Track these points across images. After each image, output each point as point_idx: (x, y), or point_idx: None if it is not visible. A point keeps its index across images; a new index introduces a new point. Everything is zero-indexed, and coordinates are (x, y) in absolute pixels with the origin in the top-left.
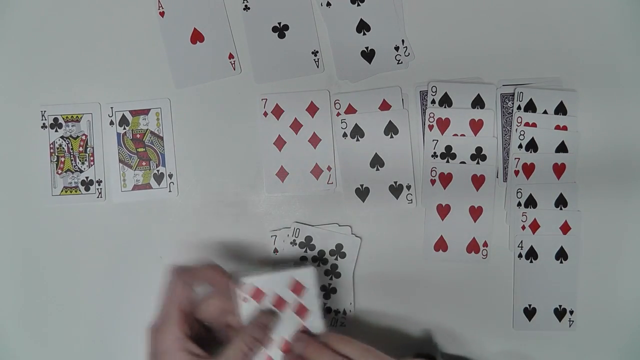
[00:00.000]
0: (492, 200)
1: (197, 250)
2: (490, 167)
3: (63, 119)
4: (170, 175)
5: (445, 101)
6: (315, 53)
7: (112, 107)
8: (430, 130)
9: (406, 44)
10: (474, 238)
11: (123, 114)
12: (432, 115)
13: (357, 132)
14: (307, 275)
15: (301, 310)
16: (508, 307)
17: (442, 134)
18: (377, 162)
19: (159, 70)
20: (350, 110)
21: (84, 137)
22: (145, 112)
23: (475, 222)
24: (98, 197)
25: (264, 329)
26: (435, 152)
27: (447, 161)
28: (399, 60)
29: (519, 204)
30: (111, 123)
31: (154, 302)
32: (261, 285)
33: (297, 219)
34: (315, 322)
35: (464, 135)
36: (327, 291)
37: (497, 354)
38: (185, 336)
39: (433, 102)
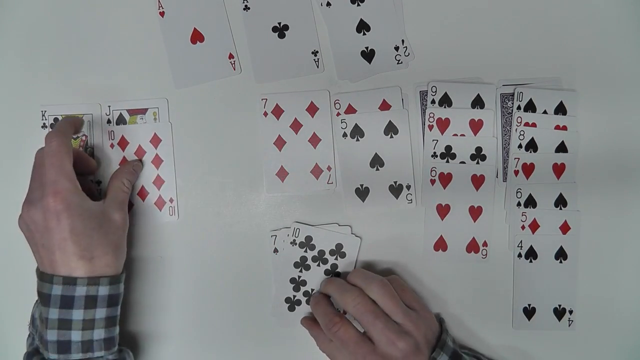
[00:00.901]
0: (492, 200)
1: (197, 250)
2: (490, 167)
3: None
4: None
5: (445, 101)
6: (315, 53)
7: (109, 106)
8: (430, 130)
9: (406, 44)
10: (473, 238)
11: (120, 113)
12: (432, 115)
13: (357, 132)
14: None
15: None
16: (508, 306)
17: (442, 134)
18: (377, 162)
19: (159, 71)
20: (350, 110)
21: (84, 138)
22: (143, 111)
23: (475, 222)
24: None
25: (132, 171)
26: (435, 152)
27: (447, 161)
28: (399, 60)
29: (519, 204)
30: (108, 122)
31: (154, 302)
32: None
33: (297, 219)
34: None
35: (463, 135)
36: None
37: (496, 354)
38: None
39: (433, 102)
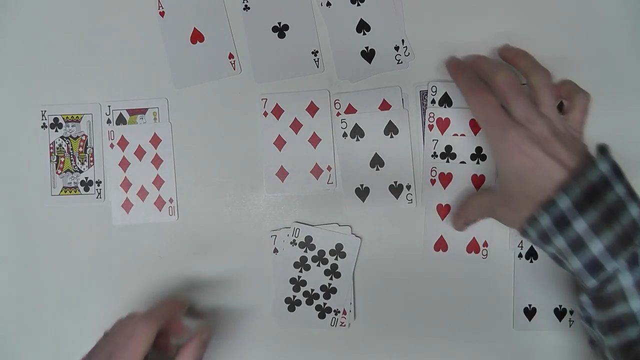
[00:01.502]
0: None
1: (197, 250)
2: (490, 167)
3: (63, 119)
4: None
5: (445, 101)
6: (315, 53)
7: (109, 106)
8: (430, 130)
9: (406, 44)
10: (474, 238)
11: (120, 113)
12: (432, 115)
13: (357, 132)
14: None
15: None
16: (508, 307)
17: (442, 134)
18: (377, 162)
19: (159, 71)
20: (350, 110)
21: (84, 138)
22: (143, 111)
23: None
24: (97, 197)
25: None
26: (435, 152)
27: (447, 161)
28: (399, 60)
29: None
30: (108, 122)
31: (154, 302)
32: None
33: (297, 219)
34: None
35: (464, 135)
36: (327, 291)
37: (497, 354)
38: None
39: (433, 102)
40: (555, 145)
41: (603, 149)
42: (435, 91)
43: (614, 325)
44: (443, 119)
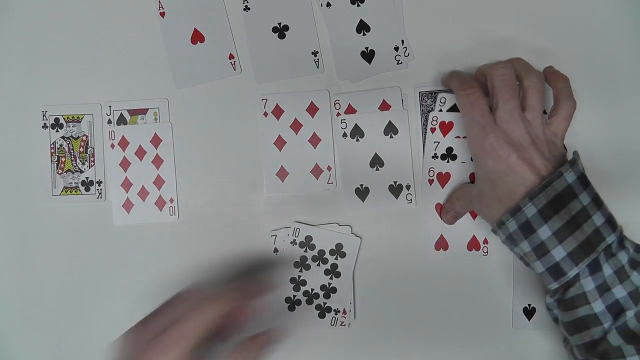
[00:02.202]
0: None
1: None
2: None
3: (64, 119)
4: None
5: (453, 109)
6: (315, 53)
7: (110, 106)
8: (433, 133)
9: (406, 44)
10: (474, 235)
11: (121, 113)
12: (435, 118)
13: (357, 132)
14: None
15: None
16: (507, 306)
17: (445, 137)
18: (376, 162)
19: (159, 71)
20: (350, 110)
21: (84, 138)
22: (143, 111)
23: (474, 219)
24: (98, 197)
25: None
26: (435, 154)
27: (447, 162)
28: (399, 61)
29: None
30: (109, 122)
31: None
32: None
33: (297, 219)
34: None
35: (465, 138)
36: (327, 291)
37: (496, 354)
38: None
39: (440, 110)
40: (531, 152)
41: (573, 159)
42: (444, 102)
43: (578, 326)
44: (446, 122)
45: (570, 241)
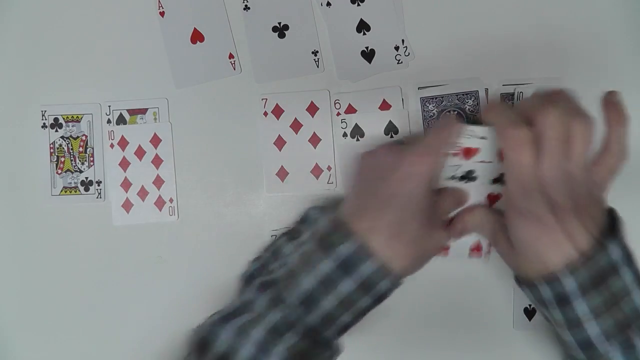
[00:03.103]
0: None
1: (197, 250)
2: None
3: (63, 119)
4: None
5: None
6: (315, 53)
7: (109, 106)
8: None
9: (406, 44)
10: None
11: (120, 113)
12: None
13: (357, 132)
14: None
15: None
16: (508, 306)
17: (467, 160)
18: None
19: (159, 71)
20: (350, 110)
21: (84, 138)
22: (143, 111)
23: None
24: (97, 197)
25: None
26: (454, 175)
27: (466, 182)
28: (399, 60)
29: None
30: (109, 122)
31: (154, 302)
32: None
33: None
34: None
35: (490, 162)
36: None
37: (496, 354)
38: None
39: None
40: (572, 220)
41: (617, 229)
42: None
43: None
44: (472, 148)
45: (607, 319)
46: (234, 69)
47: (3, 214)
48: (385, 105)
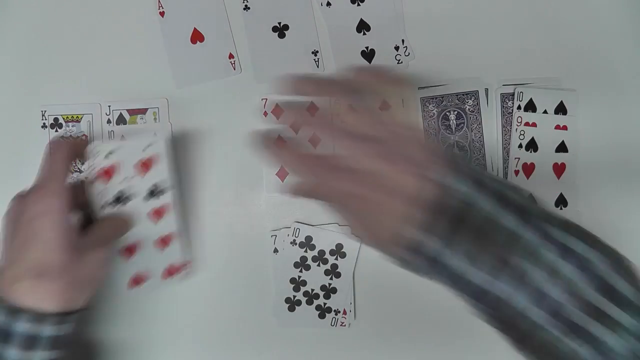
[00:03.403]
0: None
1: (197, 249)
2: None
3: (63, 119)
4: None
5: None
6: (315, 53)
7: (109, 106)
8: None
9: (406, 44)
10: None
11: (120, 113)
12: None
13: None
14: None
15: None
16: None
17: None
18: None
19: (159, 71)
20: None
21: (84, 138)
22: (143, 111)
23: None
24: None
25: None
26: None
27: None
28: (399, 60)
29: None
30: (108, 122)
31: (154, 301)
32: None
33: (297, 219)
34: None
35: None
36: (327, 291)
37: (496, 354)
38: (68, 203)
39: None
40: (391, 183)
41: (455, 159)
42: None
43: (522, 338)
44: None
45: (483, 258)
46: (234, 69)
47: (3, 213)
48: (385, 105)
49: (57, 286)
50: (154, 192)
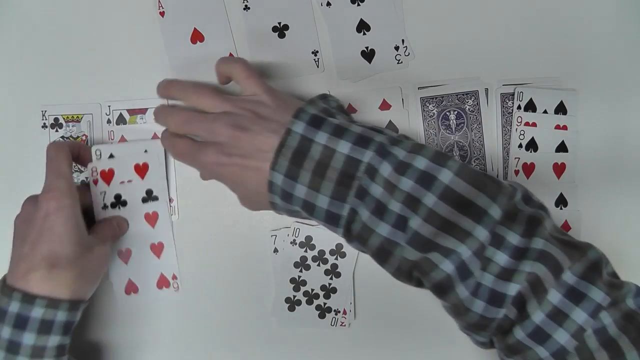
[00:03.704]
0: None
1: (197, 250)
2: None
3: (63, 119)
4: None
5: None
6: (315, 53)
7: (109, 106)
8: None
9: (406, 44)
10: None
11: (120, 113)
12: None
13: None
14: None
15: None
16: None
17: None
18: None
19: (159, 71)
20: (351, 110)
21: (84, 138)
22: (143, 111)
23: None
24: None
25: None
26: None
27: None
28: (399, 60)
29: None
30: (108, 122)
31: (154, 301)
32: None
33: (297, 219)
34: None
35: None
36: (327, 291)
37: (496, 354)
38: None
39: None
40: (248, 146)
41: (299, 109)
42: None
43: (381, 254)
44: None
45: (326, 184)
46: None
47: (3, 213)
48: (385, 105)
49: (70, 275)
50: (151, 196)
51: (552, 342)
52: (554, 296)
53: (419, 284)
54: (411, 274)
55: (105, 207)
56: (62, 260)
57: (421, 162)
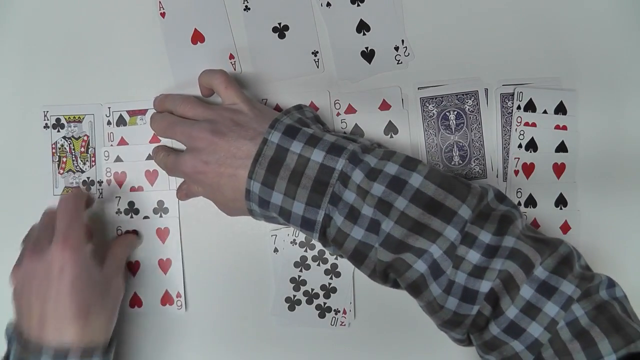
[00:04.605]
0: None
1: (197, 250)
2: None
3: (65, 119)
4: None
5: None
6: (315, 53)
7: (109, 107)
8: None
9: (406, 44)
10: None
11: (120, 114)
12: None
13: (357, 132)
14: None
15: None
16: None
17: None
18: None
19: (159, 71)
20: (350, 110)
21: (85, 138)
22: (143, 112)
23: None
24: (99, 197)
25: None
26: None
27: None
28: (399, 60)
29: (519, 204)
30: (108, 123)
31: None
32: None
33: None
34: None
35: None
36: (327, 291)
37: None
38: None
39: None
40: (223, 153)
41: (275, 119)
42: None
43: (357, 256)
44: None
45: (301, 192)
46: (234, 70)
47: (5, 213)
48: (385, 105)
49: (102, 319)
50: (161, 208)
51: (527, 336)
52: (526, 291)
53: (395, 284)
54: (387, 275)
55: (119, 212)
56: (92, 309)
57: (392, 168)
